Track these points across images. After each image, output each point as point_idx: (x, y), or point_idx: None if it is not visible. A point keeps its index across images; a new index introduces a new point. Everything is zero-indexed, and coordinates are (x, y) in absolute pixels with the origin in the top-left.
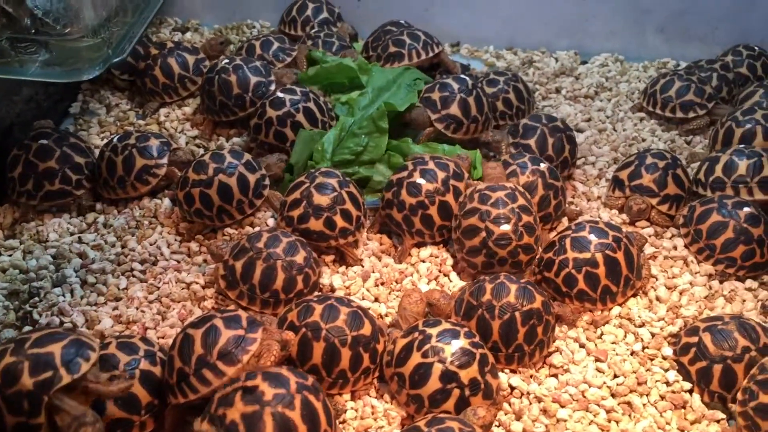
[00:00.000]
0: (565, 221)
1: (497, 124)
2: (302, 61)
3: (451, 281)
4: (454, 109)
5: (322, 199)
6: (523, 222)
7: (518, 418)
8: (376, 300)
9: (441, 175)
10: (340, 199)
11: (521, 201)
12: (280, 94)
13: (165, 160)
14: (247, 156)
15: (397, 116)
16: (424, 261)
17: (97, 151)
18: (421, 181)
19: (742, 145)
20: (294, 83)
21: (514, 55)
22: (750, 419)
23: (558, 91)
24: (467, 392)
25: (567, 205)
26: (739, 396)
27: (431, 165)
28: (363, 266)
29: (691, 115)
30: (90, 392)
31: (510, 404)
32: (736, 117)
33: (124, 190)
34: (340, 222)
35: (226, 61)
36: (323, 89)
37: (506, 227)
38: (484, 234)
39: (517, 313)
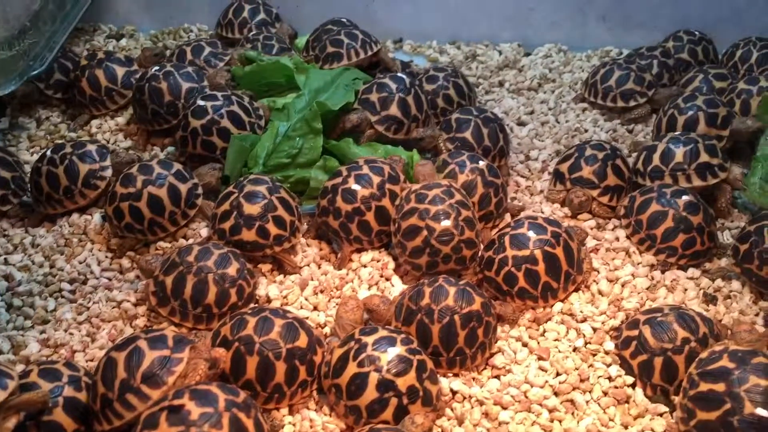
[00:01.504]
0: (508, 217)
1: (438, 121)
2: (235, 64)
3: (393, 285)
4: (394, 110)
5: (252, 209)
6: (463, 216)
7: (460, 423)
8: (315, 309)
9: (376, 179)
10: (271, 206)
11: (458, 197)
12: (200, 102)
13: (108, 162)
14: (177, 165)
15: (335, 118)
16: (365, 266)
17: (27, 167)
18: (356, 187)
19: (678, 133)
20: (228, 82)
21: (458, 49)
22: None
23: (501, 84)
24: (405, 400)
25: (509, 201)
26: (678, 412)
27: (366, 170)
28: (301, 274)
29: (632, 103)
30: (10, 410)
31: (452, 409)
32: (678, 104)
33: (73, 200)
34: (273, 229)
35: (156, 68)
36: (258, 90)
37: (447, 222)
38: (425, 232)
39: (456, 317)
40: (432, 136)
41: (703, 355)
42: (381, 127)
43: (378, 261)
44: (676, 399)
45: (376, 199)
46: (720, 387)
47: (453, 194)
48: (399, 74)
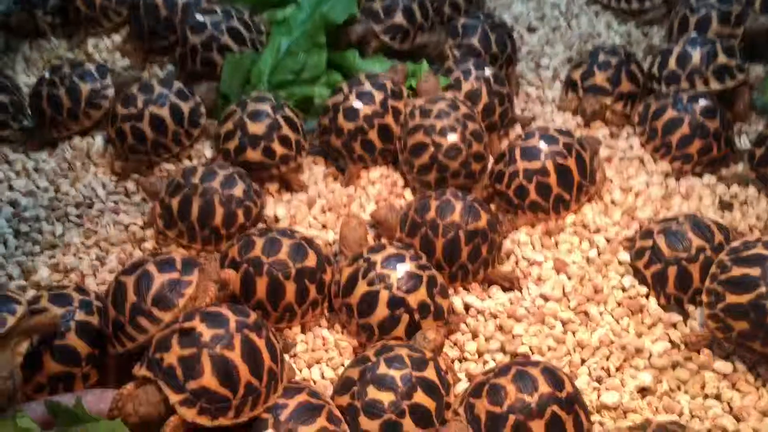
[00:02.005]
0: (518, 128)
1: (443, 26)
2: None
3: (404, 200)
4: (399, 18)
5: (257, 128)
6: (470, 130)
7: (474, 336)
8: (324, 227)
9: (378, 96)
10: (276, 125)
11: (464, 109)
12: (199, 17)
13: (109, 81)
14: (178, 84)
15: (339, 29)
16: (373, 183)
17: (25, 90)
18: (357, 104)
19: (695, 34)
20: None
21: None
22: (721, 321)
23: None
24: (417, 316)
25: (517, 112)
26: (705, 298)
27: (367, 86)
28: (308, 193)
29: (647, 4)
30: (21, 335)
31: (466, 324)
32: (690, 4)
33: (77, 121)
34: (279, 149)
35: None
36: (258, 2)
37: (454, 137)
38: (432, 149)
39: (461, 232)
40: (437, 42)
41: (735, 243)
42: (386, 37)
43: (387, 177)
44: (690, 308)
45: (378, 117)
46: (755, 271)
47: (458, 107)
48: None
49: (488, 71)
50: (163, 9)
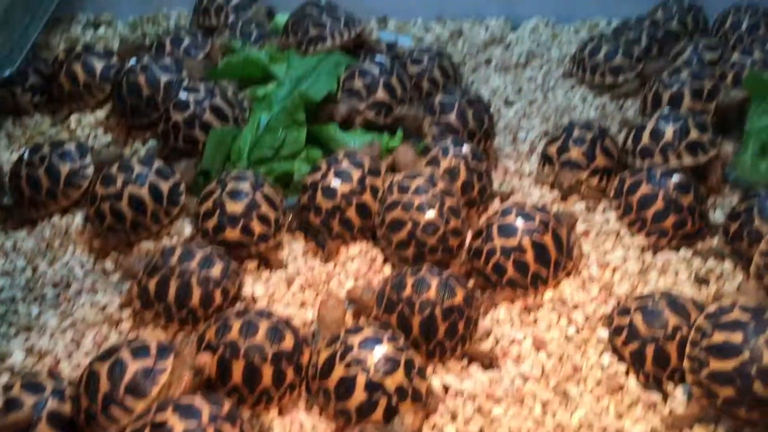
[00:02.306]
0: (496, 203)
1: (421, 104)
2: (216, 54)
3: (381, 279)
4: (381, 95)
5: (235, 207)
6: (447, 206)
7: (453, 418)
8: (303, 305)
9: (356, 174)
10: (254, 204)
11: (441, 185)
12: (183, 95)
13: (89, 160)
14: (158, 162)
15: (318, 105)
16: (353, 259)
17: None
18: (335, 183)
19: (667, 110)
20: (202, 78)
21: (443, 26)
22: (705, 388)
23: (488, 62)
24: (395, 399)
25: (495, 185)
26: (687, 364)
27: (345, 164)
28: (287, 270)
29: (621, 78)
30: None
31: (445, 405)
32: (663, 79)
33: (56, 201)
34: (257, 228)
35: (133, 61)
36: (238, 82)
37: (431, 214)
38: (410, 225)
39: (437, 309)
40: (414, 116)
41: (711, 309)
42: (371, 114)
43: (366, 253)
44: (670, 387)
45: (356, 195)
46: (737, 337)
47: (436, 183)
48: (377, 57)
49: (466, 148)
50: (145, 88)
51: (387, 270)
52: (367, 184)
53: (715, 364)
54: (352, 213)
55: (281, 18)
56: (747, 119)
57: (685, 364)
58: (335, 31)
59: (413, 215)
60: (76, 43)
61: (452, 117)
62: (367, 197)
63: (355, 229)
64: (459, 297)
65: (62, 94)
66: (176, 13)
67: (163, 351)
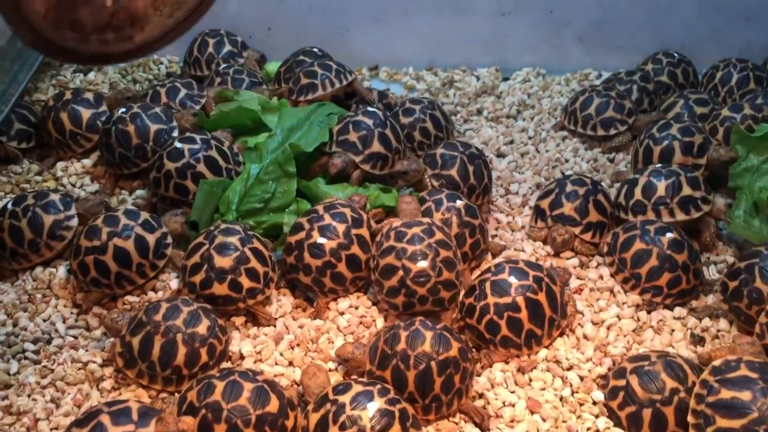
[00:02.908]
0: (490, 258)
1: (416, 154)
2: (211, 104)
3: (372, 333)
4: (377, 146)
5: (224, 261)
6: (442, 257)
7: None
8: (291, 364)
9: (341, 228)
10: (243, 258)
11: (439, 236)
12: (178, 145)
13: (73, 211)
14: (145, 215)
15: (309, 158)
16: (342, 314)
17: None
18: (321, 240)
19: (660, 165)
20: (193, 126)
21: (435, 75)
22: None
23: (479, 112)
24: None
25: (489, 241)
26: (691, 419)
27: (328, 219)
28: (275, 326)
29: (613, 132)
30: None
31: None
32: (653, 134)
33: (38, 253)
34: (246, 282)
35: (123, 110)
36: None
37: (423, 264)
38: (401, 272)
39: (433, 363)
40: (416, 170)
41: (717, 363)
42: (367, 166)
43: (356, 308)
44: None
45: (344, 249)
46: (745, 395)
47: (433, 233)
48: (370, 109)
49: (459, 202)
50: (134, 137)
51: (379, 324)
52: (353, 236)
53: (722, 422)
54: (343, 267)
55: (272, 66)
56: (729, 175)
57: (690, 419)
58: (326, 79)
59: (405, 263)
60: (66, 87)
61: (453, 171)
62: (355, 249)
63: (347, 282)
64: (454, 349)
65: (49, 142)
66: (167, 59)
67: (144, 415)
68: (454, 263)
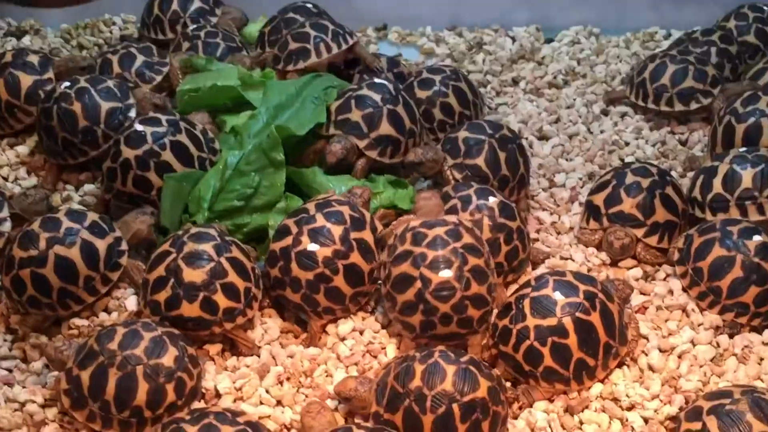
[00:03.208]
0: (529, 269)
1: (436, 137)
2: (176, 75)
3: (380, 364)
4: (386, 127)
5: (194, 275)
6: (470, 266)
7: None
8: (279, 403)
9: (337, 231)
10: (219, 271)
11: (467, 239)
12: (138, 127)
13: (6, 213)
14: (93, 216)
15: (301, 142)
16: (344, 339)
17: None
18: (313, 246)
19: (744, 149)
20: (161, 107)
21: (459, 37)
22: None
23: (516, 82)
24: None
25: (530, 247)
26: None
27: (320, 220)
28: (260, 356)
29: (694, 106)
30: None
31: None
32: (736, 110)
33: None
34: (222, 301)
35: (67, 84)
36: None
37: (447, 273)
38: (419, 284)
39: (455, 406)
40: (434, 160)
41: None
42: (374, 153)
43: (361, 333)
44: None
45: (342, 257)
46: None
47: (460, 236)
48: (378, 80)
49: (493, 199)
50: (82, 118)
51: (390, 353)
52: (352, 241)
53: None
54: (340, 280)
55: (254, 27)
56: None
57: None
58: (321, 43)
59: (424, 272)
60: None
61: (480, 160)
62: (355, 257)
63: (347, 299)
64: (482, 389)
65: None
66: (121, 19)
67: None
68: (485, 274)
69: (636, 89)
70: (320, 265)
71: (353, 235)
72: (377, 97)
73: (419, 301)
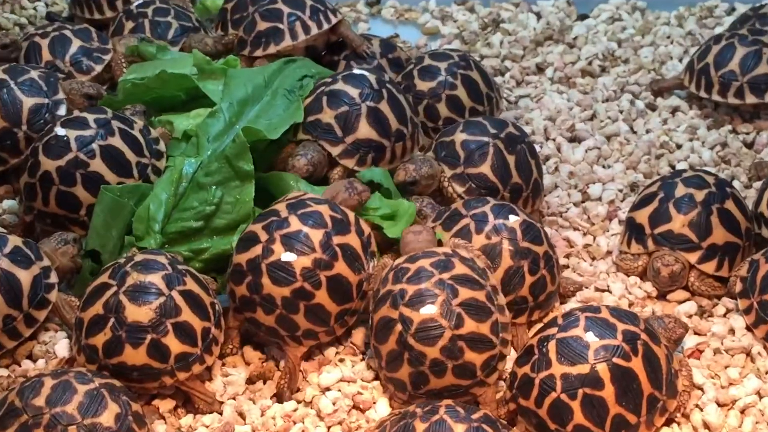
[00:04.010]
0: (557, 305)
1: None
2: (120, 65)
3: (369, 422)
4: (365, 129)
5: (140, 313)
6: (462, 299)
7: None
8: None
9: (316, 236)
10: (170, 308)
11: (460, 269)
12: (60, 131)
13: None
14: (15, 240)
15: (274, 145)
16: (327, 390)
17: None
18: (288, 256)
19: None
20: (92, 102)
21: (471, 12)
22: None
23: (541, 69)
24: None
25: (559, 277)
26: None
27: (295, 224)
28: (222, 413)
29: None
30: None
31: None
32: None
33: None
34: (174, 345)
35: None
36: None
37: (430, 309)
38: (399, 327)
39: None
40: (430, 176)
41: None
42: (351, 161)
43: (349, 383)
44: None
45: (324, 267)
46: None
47: (450, 266)
48: (357, 71)
49: (514, 218)
50: None
51: (382, 408)
52: (336, 247)
53: None
54: (323, 296)
55: (214, 3)
56: None
57: None
58: (297, 23)
59: (403, 311)
60: None
61: (485, 167)
62: (341, 267)
63: (331, 319)
64: None
65: None
66: None
67: None
68: (486, 310)
69: (696, 77)
70: (298, 279)
71: (336, 240)
72: (354, 93)
73: (402, 347)
